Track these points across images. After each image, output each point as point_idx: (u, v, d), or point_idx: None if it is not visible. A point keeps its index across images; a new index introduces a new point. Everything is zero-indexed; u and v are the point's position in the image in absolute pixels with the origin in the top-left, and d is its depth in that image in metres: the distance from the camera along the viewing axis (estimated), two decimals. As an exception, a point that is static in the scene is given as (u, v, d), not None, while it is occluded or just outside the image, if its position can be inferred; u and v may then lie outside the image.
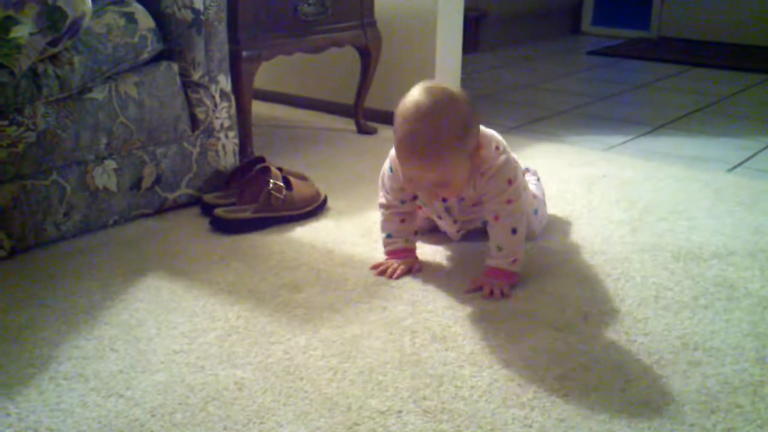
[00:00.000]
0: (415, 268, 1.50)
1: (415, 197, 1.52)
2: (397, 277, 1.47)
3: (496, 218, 1.43)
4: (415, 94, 1.30)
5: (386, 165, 1.50)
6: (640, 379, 1.15)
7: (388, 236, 1.53)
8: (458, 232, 1.61)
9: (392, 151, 1.49)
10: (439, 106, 1.28)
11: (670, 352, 1.22)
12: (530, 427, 1.04)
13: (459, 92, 1.33)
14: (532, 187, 1.66)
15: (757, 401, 1.10)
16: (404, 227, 1.53)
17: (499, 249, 1.43)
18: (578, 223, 1.75)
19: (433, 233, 1.67)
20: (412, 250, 1.54)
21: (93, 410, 1.07)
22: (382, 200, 1.52)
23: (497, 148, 1.42)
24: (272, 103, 2.93)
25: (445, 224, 1.60)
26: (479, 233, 1.61)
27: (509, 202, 1.42)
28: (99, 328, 1.28)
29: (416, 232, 1.56)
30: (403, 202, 1.51)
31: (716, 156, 2.34)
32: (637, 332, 1.28)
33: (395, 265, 1.49)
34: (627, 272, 1.50)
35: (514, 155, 1.50)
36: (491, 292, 1.40)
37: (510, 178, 1.41)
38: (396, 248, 1.52)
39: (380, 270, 1.49)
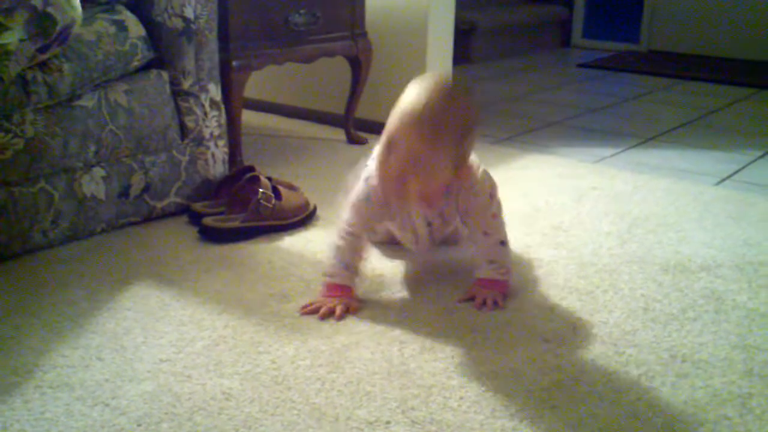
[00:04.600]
0: (353, 309, 1.37)
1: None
2: (339, 319, 1.34)
3: (486, 234, 1.43)
4: (437, 76, 1.29)
5: (361, 193, 1.41)
6: (629, 390, 1.15)
7: (342, 264, 1.40)
8: (428, 248, 1.57)
9: (370, 178, 1.40)
10: (457, 93, 1.29)
11: (658, 363, 1.22)
12: (519, 438, 1.04)
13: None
14: None
15: (745, 413, 1.10)
16: (355, 259, 1.42)
17: (491, 262, 1.43)
18: (567, 235, 1.75)
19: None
20: (352, 289, 1.41)
21: (78, 419, 1.05)
22: (349, 229, 1.41)
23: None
24: (262, 112, 2.93)
25: (417, 242, 1.55)
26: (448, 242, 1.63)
27: (494, 216, 1.43)
28: (85, 336, 1.27)
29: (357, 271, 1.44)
30: (370, 232, 1.48)
31: (705, 169, 2.35)
32: (626, 344, 1.28)
33: (337, 306, 1.35)
34: (615, 284, 1.51)
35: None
36: (484, 302, 1.39)
37: (491, 192, 1.43)
38: (340, 283, 1.39)
39: (322, 312, 1.34)
